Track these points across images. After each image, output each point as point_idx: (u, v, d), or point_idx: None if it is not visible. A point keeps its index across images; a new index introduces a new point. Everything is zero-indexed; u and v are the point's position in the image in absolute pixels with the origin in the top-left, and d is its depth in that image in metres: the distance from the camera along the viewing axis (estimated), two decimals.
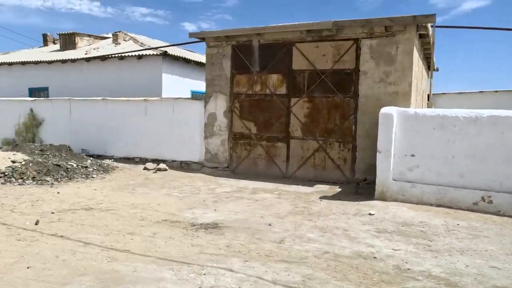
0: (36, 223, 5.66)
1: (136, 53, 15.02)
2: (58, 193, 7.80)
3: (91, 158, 11.47)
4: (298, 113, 9.90)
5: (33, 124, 13.74)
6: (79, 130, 12.91)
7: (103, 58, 15.80)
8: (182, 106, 11.41)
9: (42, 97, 15.85)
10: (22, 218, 5.98)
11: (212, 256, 4.51)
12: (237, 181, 9.62)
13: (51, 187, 8.42)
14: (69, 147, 11.70)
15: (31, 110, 13.77)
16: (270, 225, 5.86)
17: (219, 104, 10.82)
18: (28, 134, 13.80)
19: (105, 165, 10.81)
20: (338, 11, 71.52)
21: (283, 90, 10.09)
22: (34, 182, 8.71)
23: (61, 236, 5.13)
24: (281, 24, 9.97)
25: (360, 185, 8.66)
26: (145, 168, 11.02)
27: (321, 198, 7.94)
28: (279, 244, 4.98)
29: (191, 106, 11.27)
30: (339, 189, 8.81)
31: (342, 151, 9.47)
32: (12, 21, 69.84)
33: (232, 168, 10.73)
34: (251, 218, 6.23)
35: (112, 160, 11.93)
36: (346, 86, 9.38)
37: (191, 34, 11.03)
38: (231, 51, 10.63)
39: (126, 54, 15.22)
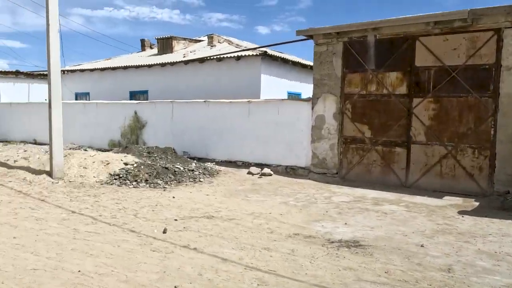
0: (164, 232, 5.37)
1: (235, 54, 14.80)
2: (173, 197, 7.61)
3: (194, 161, 11.34)
4: (422, 115, 8.83)
5: (137, 126, 14.09)
6: (180, 132, 12.93)
7: (202, 60, 15.82)
8: (288, 107, 10.83)
9: (142, 100, 16.27)
10: (148, 224, 5.75)
11: (376, 285, 3.79)
12: (351, 189, 8.82)
13: (164, 190, 8.29)
14: (173, 149, 11.70)
15: (135, 113, 14.12)
16: (422, 246, 5.00)
17: (328, 106, 10.08)
18: (132, 136, 14.17)
19: (209, 168, 10.59)
20: (415, 7, 66.79)
21: (403, 89, 9.08)
22: (147, 185, 8.66)
23: (194, 249, 4.74)
24: (402, 17, 9.00)
25: (508, 199, 7.39)
26: (249, 173, 10.62)
27: (461, 213, 6.86)
28: (449, 274, 4.12)
29: (297, 108, 10.65)
30: (476, 203, 7.63)
31: (477, 159, 8.24)
32: (103, 31, 76.04)
33: (342, 175, 9.92)
34: (393, 236, 5.42)
35: (214, 163, 11.72)
36: (483, 84, 8.14)
37: (299, 32, 10.40)
38: (343, 48, 9.84)
39: (224, 56, 15.08)
